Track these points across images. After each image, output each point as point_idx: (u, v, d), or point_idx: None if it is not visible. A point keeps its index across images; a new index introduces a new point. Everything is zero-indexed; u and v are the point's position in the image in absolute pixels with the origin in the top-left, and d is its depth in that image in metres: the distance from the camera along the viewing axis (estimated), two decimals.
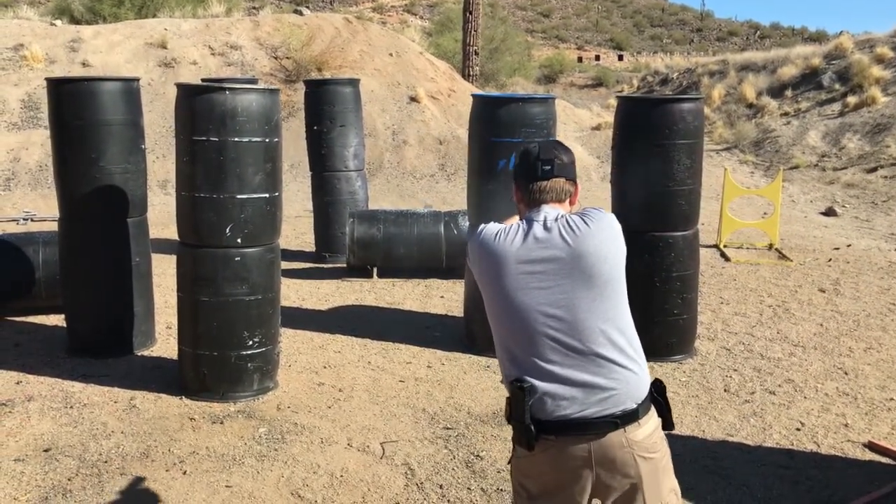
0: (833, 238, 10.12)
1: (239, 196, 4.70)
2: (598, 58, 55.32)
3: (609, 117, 16.66)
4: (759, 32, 64.29)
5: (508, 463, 2.47)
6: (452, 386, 5.22)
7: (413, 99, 16.14)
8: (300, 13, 18.03)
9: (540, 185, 2.40)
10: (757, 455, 4.29)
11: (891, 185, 13.37)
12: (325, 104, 8.54)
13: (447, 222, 7.97)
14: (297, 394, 5.02)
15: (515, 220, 2.49)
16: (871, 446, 4.38)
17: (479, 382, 5.28)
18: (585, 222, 2.33)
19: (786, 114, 19.18)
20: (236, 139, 4.64)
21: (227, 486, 3.84)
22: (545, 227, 2.33)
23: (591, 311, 2.27)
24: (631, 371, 2.29)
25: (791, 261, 8.90)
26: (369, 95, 15.56)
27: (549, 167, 2.40)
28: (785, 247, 9.66)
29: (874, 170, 14.35)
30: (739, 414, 4.82)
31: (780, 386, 5.27)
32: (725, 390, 5.20)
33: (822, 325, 6.53)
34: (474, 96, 5.97)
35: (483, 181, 5.66)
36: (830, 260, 8.85)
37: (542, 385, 2.25)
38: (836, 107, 18.27)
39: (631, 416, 2.26)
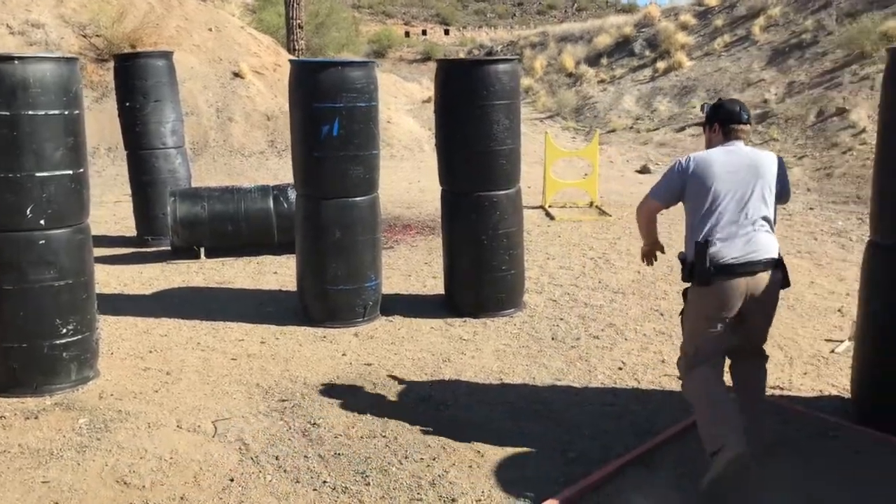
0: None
1: (38, 174, 4.35)
2: (424, 32, 55.67)
3: None
4: (576, 5, 66.83)
5: (680, 314, 3.79)
6: (287, 359, 5.12)
7: (237, 75, 15.62)
8: None
9: (741, 128, 3.64)
10: (584, 396, 4.50)
11: (698, 142, 14.36)
12: (137, 79, 8.09)
13: (276, 196, 7.79)
14: (120, 381, 4.76)
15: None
16: None
17: (314, 353, 5.22)
18: (761, 151, 3.68)
19: (602, 81, 20.14)
20: (31, 112, 4.29)
21: (43, 482, 3.58)
22: (743, 149, 3.60)
23: (762, 197, 3.52)
24: (772, 236, 3.56)
25: (610, 216, 9.41)
26: (189, 72, 14.90)
27: (747, 116, 3.67)
28: (604, 203, 10.20)
29: (682, 129, 15.38)
30: (567, 359, 5.04)
31: (602, 330, 5.56)
32: (553, 338, 5.42)
33: (638, 272, 6.93)
34: (292, 62, 5.83)
35: (309, 148, 5.56)
36: None
37: (723, 242, 3.46)
38: (648, 72, 19.37)
39: (772, 263, 3.52)
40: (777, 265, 3.57)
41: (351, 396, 4.52)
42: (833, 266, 7.07)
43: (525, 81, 21.28)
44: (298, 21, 19.11)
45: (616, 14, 35.28)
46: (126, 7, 16.11)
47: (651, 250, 3.94)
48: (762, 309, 3.59)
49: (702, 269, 3.48)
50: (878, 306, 3.91)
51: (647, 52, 20.35)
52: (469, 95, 5.63)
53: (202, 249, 7.64)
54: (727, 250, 3.46)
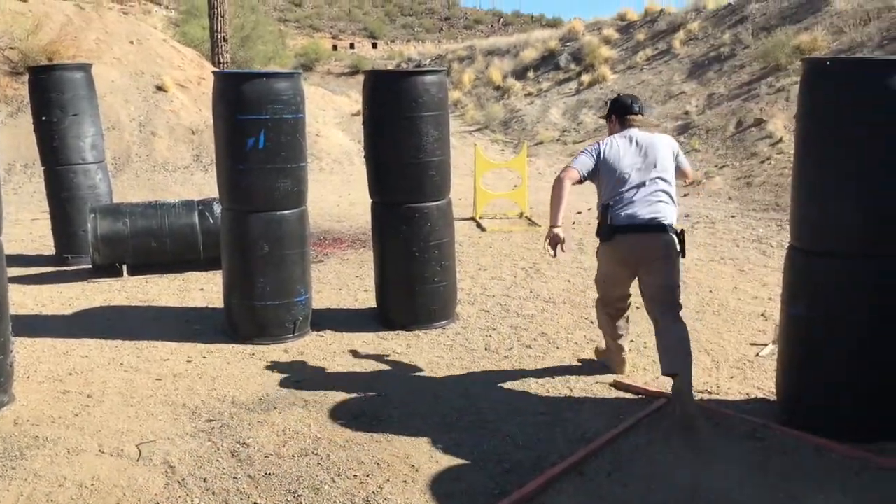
0: (575, 203, 10.85)
1: None
2: (352, 46, 55.54)
3: None
4: (502, 20, 67.74)
5: (597, 252, 4.62)
6: (214, 378, 4.98)
7: (160, 88, 15.28)
8: None
9: (633, 118, 4.50)
10: (517, 406, 4.49)
11: None
12: (54, 92, 7.81)
13: (202, 211, 7.61)
14: (37, 405, 4.55)
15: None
16: (617, 385, 4.74)
17: (243, 371, 5.09)
18: (654, 134, 4.52)
19: (529, 94, 20.39)
20: None
21: None
22: (638, 134, 4.45)
23: (656, 172, 4.35)
24: (670, 206, 4.37)
25: (540, 226, 9.49)
26: (110, 86, 14.52)
27: (639, 108, 4.55)
28: (534, 214, 10.29)
29: None
30: (500, 370, 5.03)
31: (535, 339, 5.58)
32: (486, 349, 5.41)
33: (569, 281, 6.99)
34: (216, 73, 5.71)
35: (233, 161, 5.45)
36: (574, 223, 9.54)
37: (624, 205, 4.28)
38: (573, 85, 19.70)
39: (663, 227, 4.31)
40: (668, 229, 4.33)
41: (281, 414, 4.41)
42: (755, 272, 7.27)
43: (454, 94, 21.40)
44: (223, 34, 18.81)
45: (541, 28, 35.90)
46: (41, 19, 15.61)
47: (556, 235, 4.36)
48: (657, 264, 4.32)
49: (604, 228, 4.35)
50: (799, 309, 4.02)
51: (573, 66, 20.69)
52: (397, 106, 5.60)
53: (125, 267, 7.40)
54: (626, 214, 4.29)
